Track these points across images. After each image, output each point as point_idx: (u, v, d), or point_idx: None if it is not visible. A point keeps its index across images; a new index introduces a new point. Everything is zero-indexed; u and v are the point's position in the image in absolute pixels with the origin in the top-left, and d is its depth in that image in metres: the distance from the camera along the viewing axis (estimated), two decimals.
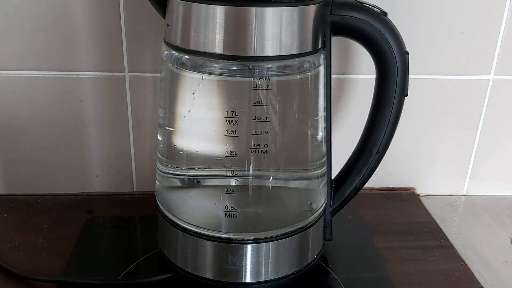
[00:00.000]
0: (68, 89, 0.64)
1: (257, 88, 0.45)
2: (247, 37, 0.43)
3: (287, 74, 0.47)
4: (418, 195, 0.73)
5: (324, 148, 0.52)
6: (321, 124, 0.51)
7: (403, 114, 0.51)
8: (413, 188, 0.74)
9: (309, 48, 0.46)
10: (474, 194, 0.74)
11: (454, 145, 0.71)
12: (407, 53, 0.49)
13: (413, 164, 0.72)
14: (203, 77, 0.45)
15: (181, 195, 0.53)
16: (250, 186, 0.48)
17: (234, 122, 0.45)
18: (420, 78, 0.67)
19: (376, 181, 0.66)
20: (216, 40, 0.43)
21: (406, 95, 0.50)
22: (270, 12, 0.43)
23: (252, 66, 0.44)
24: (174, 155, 0.52)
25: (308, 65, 0.48)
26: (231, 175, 0.48)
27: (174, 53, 0.47)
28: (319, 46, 0.48)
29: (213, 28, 0.43)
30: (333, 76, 0.59)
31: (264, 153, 0.47)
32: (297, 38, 0.45)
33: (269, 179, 0.49)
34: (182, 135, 0.51)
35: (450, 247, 0.61)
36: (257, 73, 0.44)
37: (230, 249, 0.49)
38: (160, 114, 0.52)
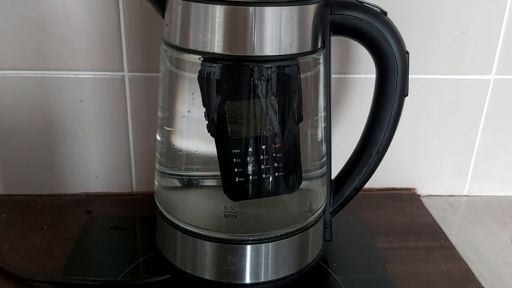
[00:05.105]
0: (67, 89, 0.64)
1: (257, 88, 0.45)
2: (247, 36, 0.43)
3: (286, 74, 0.46)
4: (419, 195, 0.73)
5: (324, 148, 0.52)
6: (321, 124, 0.51)
7: (403, 114, 0.51)
8: (414, 188, 0.73)
9: (308, 47, 0.46)
10: (475, 194, 0.74)
11: (455, 145, 0.71)
12: (407, 52, 0.49)
13: (413, 164, 0.72)
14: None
15: (180, 196, 0.53)
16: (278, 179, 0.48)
17: (234, 122, 0.45)
18: (420, 78, 0.66)
19: (376, 181, 0.66)
20: (215, 40, 0.43)
21: (406, 95, 0.50)
22: (270, 12, 0.43)
23: (252, 66, 0.44)
24: (173, 155, 0.51)
25: (307, 65, 0.48)
26: None
27: (173, 53, 0.47)
28: (319, 46, 0.47)
29: (212, 28, 0.43)
30: (333, 76, 0.59)
31: (263, 153, 0.46)
32: (296, 38, 0.45)
33: (269, 179, 0.49)
34: (181, 135, 0.51)
35: (451, 247, 0.61)
36: (257, 73, 0.44)
37: (229, 250, 0.48)
38: (159, 114, 0.52)
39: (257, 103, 0.45)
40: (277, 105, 0.46)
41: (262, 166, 0.46)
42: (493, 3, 0.64)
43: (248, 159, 0.46)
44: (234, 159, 0.45)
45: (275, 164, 0.46)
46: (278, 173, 0.47)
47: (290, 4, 0.44)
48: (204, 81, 0.45)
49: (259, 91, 0.45)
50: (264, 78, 0.45)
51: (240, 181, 0.46)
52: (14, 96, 0.64)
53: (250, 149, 0.45)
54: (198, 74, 0.45)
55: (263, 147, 0.46)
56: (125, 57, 0.63)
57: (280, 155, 0.46)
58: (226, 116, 0.45)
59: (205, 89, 0.45)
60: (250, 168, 0.46)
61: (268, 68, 0.45)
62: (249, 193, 0.47)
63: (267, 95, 0.45)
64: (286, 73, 0.45)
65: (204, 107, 0.45)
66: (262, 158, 0.46)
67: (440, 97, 0.68)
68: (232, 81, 0.45)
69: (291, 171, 0.48)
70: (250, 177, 0.46)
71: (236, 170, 0.45)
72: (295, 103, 0.47)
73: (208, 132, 0.46)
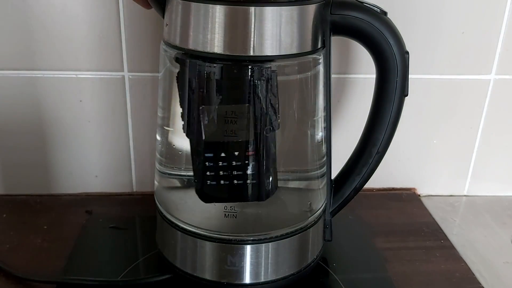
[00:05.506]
0: (67, 89, 0.64)
1: (257, 88, 0.45)
2: (246, 36, 0.43)
3: (286, 74, 0.46)
4: (419, 195, 0.73)
5: (324, 148, 0.52)
6: (321, 124, 0.51)
7: (403, 114, 0.51)
8: (414, 188, 0.73)
9: (308, 47, 0.46)
10: (475, 194, 0.74)
11: (455, 145, 0.71)
12: (407, 52, 0.49)
13: (413, 164, 0.72)
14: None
15: (180, 196, 0.53)
16: (250, 186, 0.48)
17: (233, 122, 0.45)
18: (420, 78, 0.66)
19: (376, 181, 0.66)
20: (215, 40, 0.43)
21: (406, 95, 0.50)
22: (270, 12, 0.43)
23: (251, 66, 0.44)
24: (173, 155, 0.51)
25: (307, 65, 0.48)
26: None
27: (173, 53, 0.47)
28: (319, 46, 0.47)
29: (212, 28, 0.43)
30: (333, 76, 0.59)
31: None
32: (296, 38, 0.45)
33: (269, 179, 0.49)
34: (181, 135, 0.50)
35: (451, 247, 0.61)
36: (256, 73, 0.44)
37: (229, 250, 0.48)
38: (159, 114, 0.52)
39: (234, 108, 0.45)
40: (257, 110, 0.45)
41: (235, 172, 0.46)
42: (493, 3, 0.64)
43: (220, 164, 0.45)
44: (207, 162, 0.45)
45: (249, 171, 0.46)
46: (251, 180, 0.46)
47: (290, 4, 0.44)
48: (191, 81, 0.45)
49: (258, 91, 0.45)
50: (263, 79, 0.45)
51: (212, 184, 0.46)
52: (14, 96, 0.64)
53: (223, 154, 0.45)
54: (176, 75, 0.45)
55: (236, 153, 0.45)
56: (125, 57, 0.63)
57: (254, 162, 0.46)
58: (201, 118, 0.44)
59: (183, 89, 0.45)
60: (222, 172, 0.45)
61: (267, 68, 0.44)
62: (220, 197, 0.47)
63: (262, 100, 0.45)
64: (266, 79, 0.45)
65: (181, 107, 0.45)
66: (234, 164, 0.45)
67: (440, 97, 0.68)
68: (219, 83, 0.45)
69: (264, 178, 0.47)
70: (222, 181, 0.46)
71: (208, 173, 0.45)
72: (273, 110, 0.46)
73: (184, 133, 0.46)
